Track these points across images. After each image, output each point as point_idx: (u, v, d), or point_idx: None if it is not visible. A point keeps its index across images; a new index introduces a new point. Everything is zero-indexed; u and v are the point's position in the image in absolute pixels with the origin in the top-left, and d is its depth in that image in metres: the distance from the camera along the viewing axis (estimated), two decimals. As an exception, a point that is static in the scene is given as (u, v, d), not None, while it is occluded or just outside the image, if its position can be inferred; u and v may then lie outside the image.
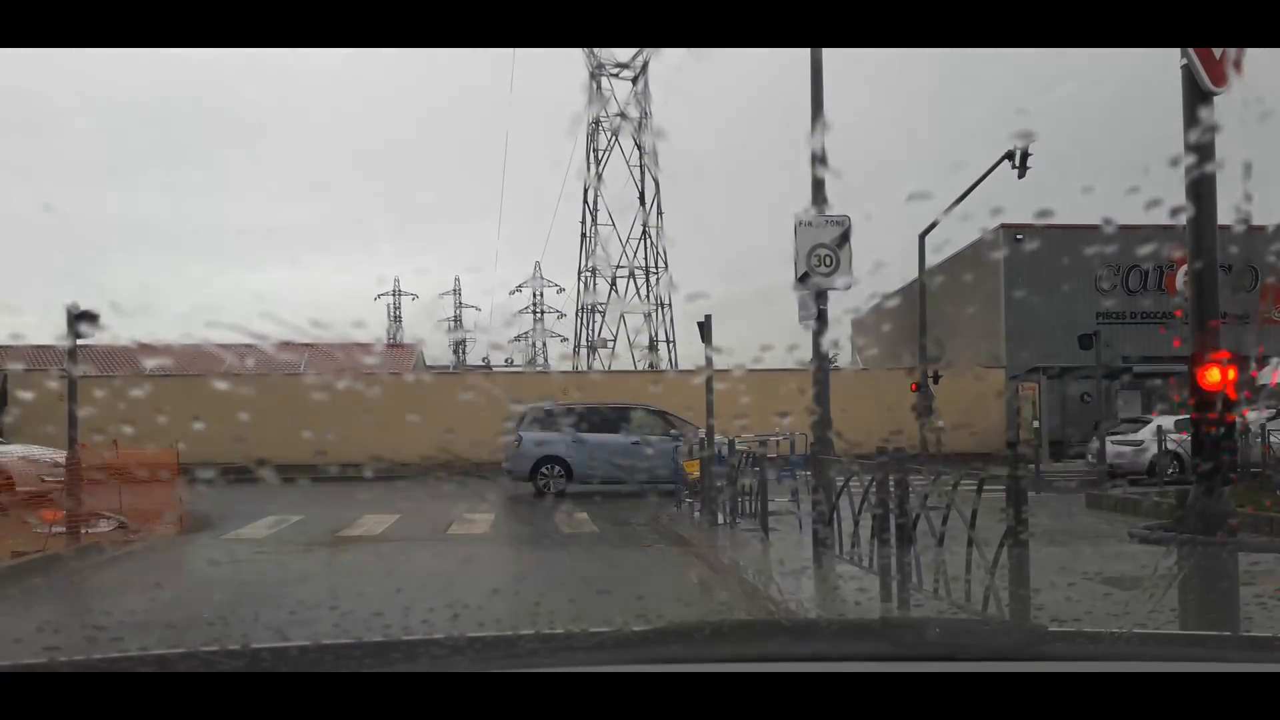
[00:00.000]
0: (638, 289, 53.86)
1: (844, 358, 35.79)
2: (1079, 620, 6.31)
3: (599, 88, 52.82)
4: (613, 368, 50.69)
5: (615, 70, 52.49)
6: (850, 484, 8.43)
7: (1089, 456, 22.43)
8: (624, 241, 53.79)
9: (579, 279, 54.99)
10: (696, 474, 14.41)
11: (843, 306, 11.36)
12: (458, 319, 69.46)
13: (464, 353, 61.34)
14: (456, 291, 68.17)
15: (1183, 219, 8.69)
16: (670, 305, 53.25)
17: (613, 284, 54.08)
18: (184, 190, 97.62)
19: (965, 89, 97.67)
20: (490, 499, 17.16)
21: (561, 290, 65.24)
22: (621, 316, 54.20)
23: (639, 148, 52.79)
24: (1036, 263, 30.51)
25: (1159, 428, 18.23)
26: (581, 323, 55.03)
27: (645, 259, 53.97)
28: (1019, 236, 28.84)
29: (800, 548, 10.12)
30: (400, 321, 68.02)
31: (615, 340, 54.59)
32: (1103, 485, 17.33)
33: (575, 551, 11.80)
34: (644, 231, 53.78)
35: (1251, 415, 16.19)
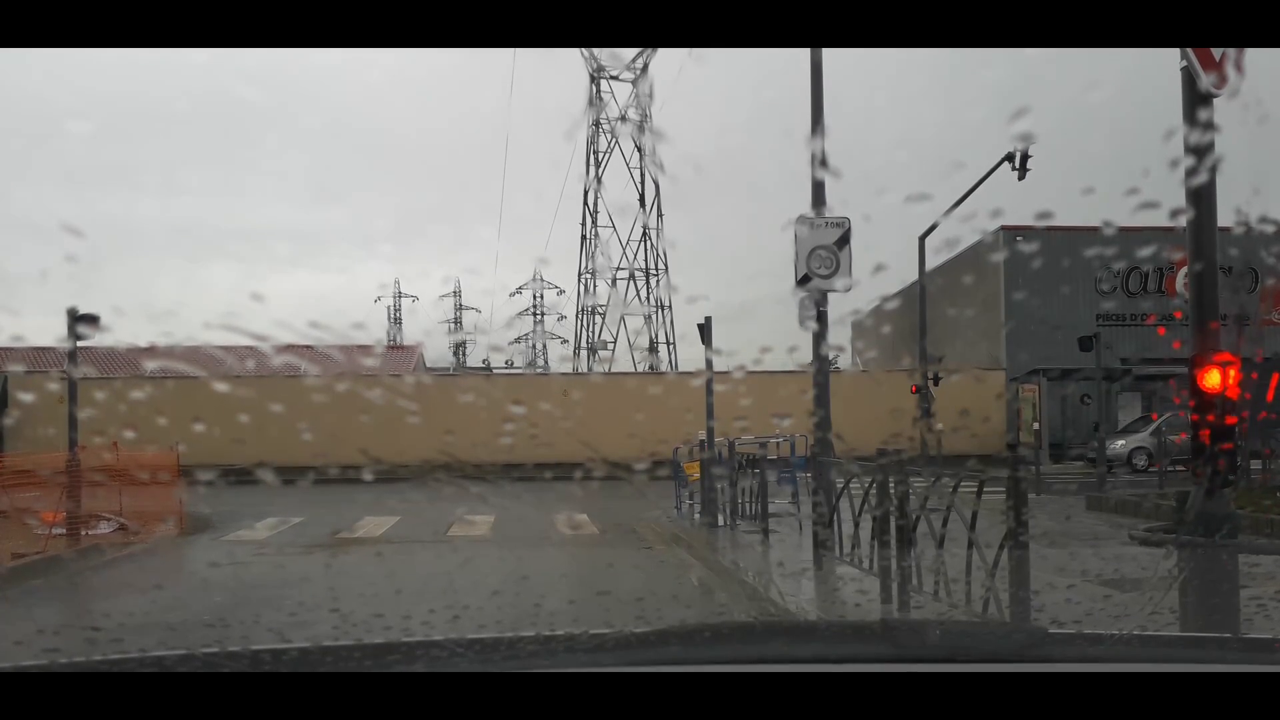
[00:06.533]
0: (638, 291, 53.94)
1: (844, 360, 35.81)
2: (1079, 622, 6.31)
3: (599, 90, 52.90)
4: (613, 369, 50.78)
5: (615, 72, 52.55)
6: (850, 486, 8.42)
7: None
8: (624, 244, 53.90)
9: (579, 281, 55.08)
10: (696, 476, 14.41)
11: (844, 309, 11.36)
12: (458, 321, 69.46)
13: (464, 355, 61.42)
14: (457, 293, 68.16)
15: (1182, 221, 8.69)
16: (670, 307, 53.34)
17: (613, 286, 54.17)
18: (183, 192, 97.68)
19: (965, 89, 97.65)
20: (490, 501, 17.14)
21: (562, 292, 65.25)
22: (622, 318, 54.26)
23: (639, 150, 52.90)
24: (1036, 265, 30.51)
25: None
26: (582, 325, 55.10)
27: (645, 261, 54.05)
28: (1018, 238, 28.84)
29: (800, 550, 10.12)
30: (400, 323, 68.04)
31: (615, 342, 54.65)
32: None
33: (575, 553, 11.80)
34: (644, 233, 53.88)
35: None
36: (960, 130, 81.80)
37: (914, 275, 24.95)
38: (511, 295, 64.38)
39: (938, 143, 74.67)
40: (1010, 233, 28.71)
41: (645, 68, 52.51)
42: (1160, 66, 8.70)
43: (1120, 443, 25.58)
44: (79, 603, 9.49)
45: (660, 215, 53.92)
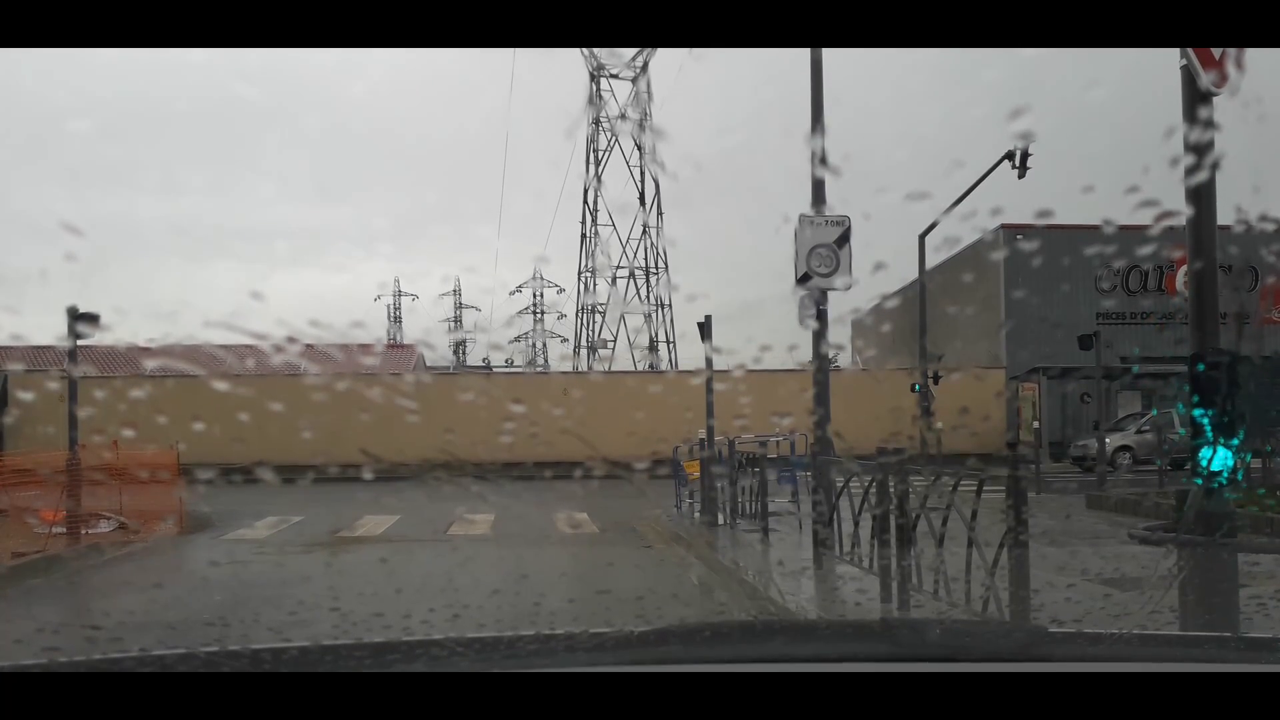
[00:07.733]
0: (638, 289, 53.96)
1: (844, 358, 35.81)
2: (1079, 621, 6.32)
3: (599, 88, 52.90)
4: (613, 368, 50.81)
5: (615, 71, 52.55)
6: (850, 485, 8.42)
7: None
8: (624, 242, 53.94)
9: (579, 279, 55.12)
10: (696, 475, 14.41)
11: (844, 307, 11.37)
12: (458, 320, 69.46)
13: (464, 353, 61.42)
14: (456, 292, 68.16)
15: (1182, 219, 8.68)
16: (670, 306, 53.38)
17: (613, 284, 54.19)
18: (183, 192, 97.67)
19: (965, 89, 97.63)
20: (490, 500, 17.15)
21: (561, 291, 65.37)
22: (621, 317, 54.30)
23: (639, 148, 52.92)
24: (1036, 263, 30.53)
25: None
26: (582, 323, 55.12)
27: (645, 259, 54.08)
28: (1019, 236, 28.86)
29: (800, 548, 10.12)
30: (400, 322, 68.05)
31: (615, 341, 54.67)
32: None
33: (575, 552, 11.80)
34: (644, 232, 53.92)
35: None
36: (960, 129, 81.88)
37: (914, 273, 24.96)
38: (511, 294, 64.43)
39: (938, 141, 74.77)
40: (1010, 231, 28.71)
41: (645, 66, 52.57)
42: (1160, 66, 8.68)
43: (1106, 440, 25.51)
44: (79, 601, 9.49)
45: (660, 214, 54.01)
